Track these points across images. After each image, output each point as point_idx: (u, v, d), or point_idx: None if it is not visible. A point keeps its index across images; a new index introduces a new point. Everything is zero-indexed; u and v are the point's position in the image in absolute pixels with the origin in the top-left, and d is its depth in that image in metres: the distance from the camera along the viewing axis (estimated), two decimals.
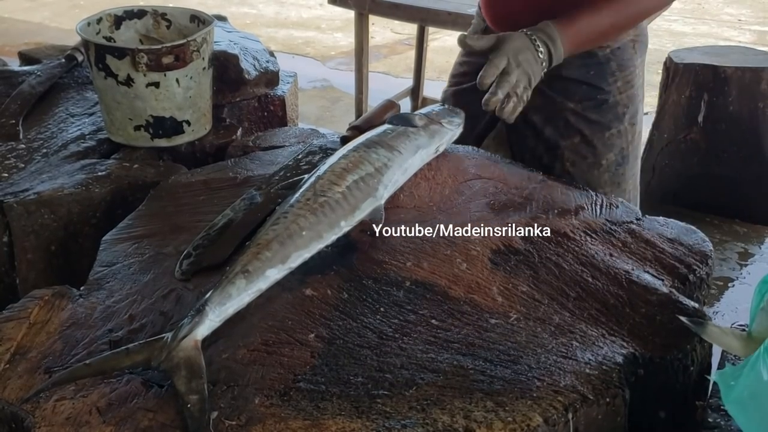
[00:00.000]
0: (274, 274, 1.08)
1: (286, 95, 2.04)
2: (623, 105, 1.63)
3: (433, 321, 1.04)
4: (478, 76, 1.38)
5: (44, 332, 1.05)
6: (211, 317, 1.00)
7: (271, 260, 1.08)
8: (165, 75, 1.63)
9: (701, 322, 1.02)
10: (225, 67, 1.90)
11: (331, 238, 1.16)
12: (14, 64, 2.20)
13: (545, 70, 1.43)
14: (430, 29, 3.80)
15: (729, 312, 2.49)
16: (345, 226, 1.18)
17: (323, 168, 1.25)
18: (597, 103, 1.61)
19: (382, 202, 1.24)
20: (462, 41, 1.44)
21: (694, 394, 1.07)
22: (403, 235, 1.22)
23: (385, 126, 1.38)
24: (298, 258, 1.11)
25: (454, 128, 1.46)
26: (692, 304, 1.10)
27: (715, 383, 1.03)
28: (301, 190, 1.20)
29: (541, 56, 1.41)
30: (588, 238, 1.24)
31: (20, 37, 5.30)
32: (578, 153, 1.58)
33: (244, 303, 1.04)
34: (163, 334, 0.98)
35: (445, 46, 5.02)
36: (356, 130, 1.50)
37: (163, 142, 1.71)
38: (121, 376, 0.95)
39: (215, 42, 1.79)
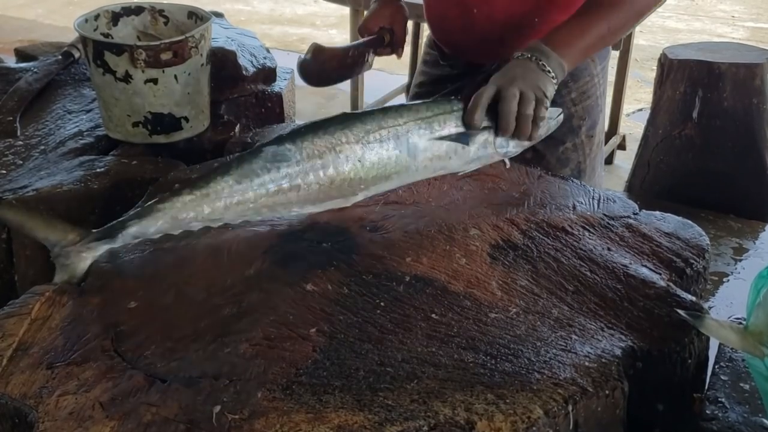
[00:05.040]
0: (198, 227, 1.20)
1: (284, 91, 2.04)
2: (579, 117, 1.60)
3: (434, 315, 1.05)
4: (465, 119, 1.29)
5: (46, 328, 1.05)
6: (118, 242, 1.17)
7: (203, 219, 1.20)
8: (163, 71, 1.63)
9: (699, 316, 1.03)
10: (223, 63, 1.90)
11: (272, 215, 1.23)
12: (10, 61, 2.20)
13: (554, 80, 1.32)
14: (425, 26, 3.81)
15: (724, 306, 2.50)
16: (294, 213, 1.24)
17: (327, 134, 1.24)
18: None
19: (349, 204, 1.26)
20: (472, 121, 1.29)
21: (691, 386, 1.08)
22: (403, 230, 1.23)
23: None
24: (228, 220, 1.21)
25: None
26: (690, 297, 1.11)
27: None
28: (291, 145, 1.22)
29: (544, 67, 1.30)
30: (586, 233, 1.25)
31: (14, 34, 5.27)
32: None
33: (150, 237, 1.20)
34: (80, 230, 1.17)
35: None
36: None
37: (161, 139, 1.71)
38: (124, 371, 0.96)
39: (212, 38, 1.79)
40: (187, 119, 1.72)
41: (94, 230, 1.18)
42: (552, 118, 1.37)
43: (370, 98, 3.87)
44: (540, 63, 1.31)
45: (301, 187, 1.21)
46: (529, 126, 1.28)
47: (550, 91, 1.32)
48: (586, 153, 1.63)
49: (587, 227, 1.26)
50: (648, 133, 3.28)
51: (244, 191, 1.19)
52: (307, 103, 4.44)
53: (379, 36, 1.68)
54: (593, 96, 1.62)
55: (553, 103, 1.49)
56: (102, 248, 1.17)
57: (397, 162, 1.26)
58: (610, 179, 3.60)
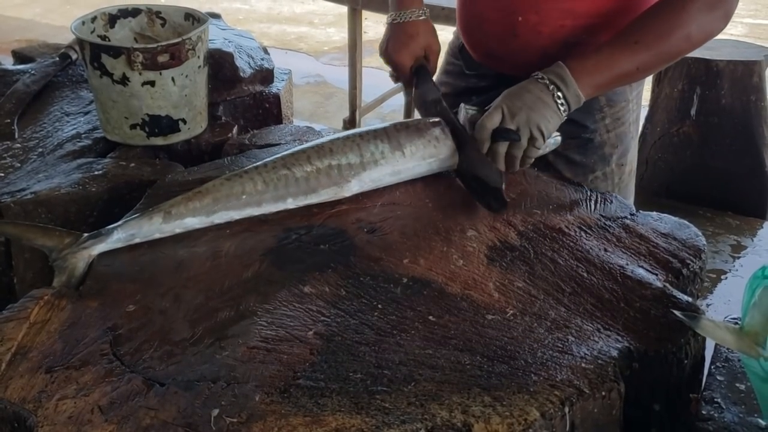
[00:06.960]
0: (194, 224, 1.21)
1: (281, 92, 2.04)
2: (611, 145, 1.51)
3: (431, 317, 1.05)
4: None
5: (45, 332, 1.05)
6: (113, 241, 1.19)
7: (196, 211, 1.21)
8: (160, 74, 1.63)
9: (695, 316, 1.04)
10: (220, 65, 1.90)
11: (269, 209, 1.25)
12: (7, 62, 2.20)
13: (565, 113, 1.31)
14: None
15: (721, 304, 2.51)
16: (291, 204, 1.26)
17: (307, 145, 1.32)
18: (581, 142, 1.49)
19: (347, 194, 1.30)
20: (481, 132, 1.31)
21: (688, 386, 1.09)
22: (400, 232, 1.24)
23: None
24: (224, 216, 1.23)
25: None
26: (686, 298, 1.11)
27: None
28: (275, 156, 1.29)
29: (558, 99, 1.28)
30: (583, 234, 1.25)
31: (11, 34, 5.28)
32: None
33: (153, 237, 1.20)
34: (76, 234, 1.19)
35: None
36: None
37: (159, 141, 1.72)
38: (122, 375, 0.96)
39: (210, 40, 1.79)
40: (184, 121, 1.72)
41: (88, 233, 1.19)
42: (548, 143, 1.36)
43: (368, 96, 3.87)
44: (556, 94, 1.28)
45: (289, 176, 1.26)
46: (514, 165, 1.32)
47: (552, 127, 1.31)
48: (615, 182, 1.55)
49: (584, 228, 1.27)
50: (646, 130, 3.28)
51: (233, 185, 1.24)
52: (306, 101, 4.45)
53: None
54: (627, 122, 1.53)
55: (585, 129, 1.49)
56: (97, 247, 1.19)
57: (383, 148, 1.31)
58: None
